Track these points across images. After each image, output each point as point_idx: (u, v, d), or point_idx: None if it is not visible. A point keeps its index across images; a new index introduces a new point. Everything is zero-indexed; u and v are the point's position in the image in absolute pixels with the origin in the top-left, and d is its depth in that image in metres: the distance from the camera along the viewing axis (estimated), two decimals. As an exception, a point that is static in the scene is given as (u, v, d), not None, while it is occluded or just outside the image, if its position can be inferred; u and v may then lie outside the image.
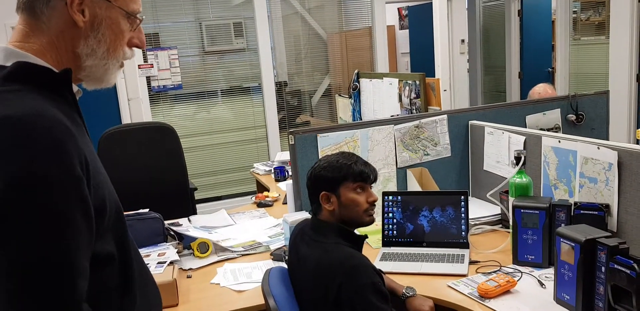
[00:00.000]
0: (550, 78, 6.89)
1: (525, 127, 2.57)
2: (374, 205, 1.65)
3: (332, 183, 1.61)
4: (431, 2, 4.80)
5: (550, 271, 1.76)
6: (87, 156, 0.88)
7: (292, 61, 5.87)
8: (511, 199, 1.96)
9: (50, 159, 0.81)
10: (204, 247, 2.11)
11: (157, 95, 4.95)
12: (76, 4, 0.92)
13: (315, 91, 5.98)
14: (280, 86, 5.64)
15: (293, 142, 2.22)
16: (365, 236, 1.67)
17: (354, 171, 1.62)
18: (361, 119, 3.53)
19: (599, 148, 1.83)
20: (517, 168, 1.96)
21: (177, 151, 2.96)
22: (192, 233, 2.23)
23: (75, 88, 0.98)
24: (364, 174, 1.63)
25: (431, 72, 4.94)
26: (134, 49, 1.04)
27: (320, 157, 2.26)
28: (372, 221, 1.66)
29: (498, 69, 7.24)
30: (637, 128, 5.20)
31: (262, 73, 5.38)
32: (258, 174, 3.52)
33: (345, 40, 5.94)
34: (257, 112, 5.46)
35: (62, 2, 0.92)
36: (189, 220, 2.55)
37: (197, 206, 3.37)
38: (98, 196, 0.90)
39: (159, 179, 2.90)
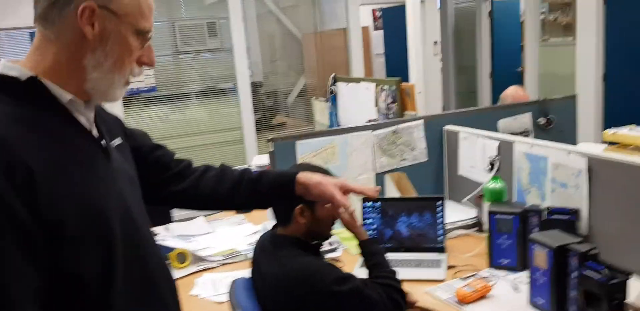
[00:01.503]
0: (520, 78, 7.02)
1: (498, 131, 2.63)
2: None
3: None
4: (404, 5, 4.84)
5: (524, 275, 1.82)
6: (36, 165, 0.86)
7: (267, 61, 5.87)
8: (486, 204, 2.01)
9: None
10: (182, 257, 2.11)
11: (130, 98, 4.90)
12: (87, 16, 0.94)
13: (291, 91, 6.00)
14: (255, 87, 5.63)
15: (272, 150, 2.23)
16: (321, 243, 1.67)
17: None
18: (339, 123, 3.57)
19: (569, 154, 1.89)
20: (492, 173, 2.01)
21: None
22: (169, 242, 2.23)
23: (67, 97, 0.97)
24: None
25: (405, 73, 4.99)
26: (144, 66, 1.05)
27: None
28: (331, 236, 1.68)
29: (470, 69, 7.36)
30: (605, 129, 5.35)
31: (237, 73, 5.36)
32: (235, 178, 3.52)
33: (320, 40, 5.96)
34: (233, 113, 5.45)
35: (73, 13, 0.93)
36: (167, 228, 2.55)
37: (173, 209, 3.34)
38: (53, 208, 0.87)
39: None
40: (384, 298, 1.49)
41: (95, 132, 1.04)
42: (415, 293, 1.80)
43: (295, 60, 6.00)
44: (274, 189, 1.34)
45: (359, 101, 3.28)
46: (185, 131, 5.27)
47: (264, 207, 1.69)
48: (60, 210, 0.88)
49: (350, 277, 1.50)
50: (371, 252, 1.63)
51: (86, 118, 1.01)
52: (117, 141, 1.13)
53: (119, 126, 1.22)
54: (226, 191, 1.32)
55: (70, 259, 0.90)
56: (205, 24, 5.47)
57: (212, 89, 5.44)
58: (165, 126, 5.17)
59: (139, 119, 4.99)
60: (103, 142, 1.04)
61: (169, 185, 1.30)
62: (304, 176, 1.33)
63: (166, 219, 2.95)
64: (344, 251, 2.20)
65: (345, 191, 1.35)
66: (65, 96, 0.97)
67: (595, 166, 1.81)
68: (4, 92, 0.93)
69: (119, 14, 0.97)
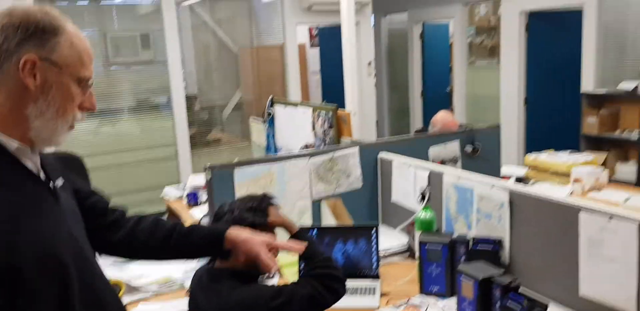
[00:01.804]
0: (449, 98, 7.32)
1: (429, 158, 2.76)
2: None
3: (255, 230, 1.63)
4: (340, 25, 4.96)
5: (452, 301, 1.92)
6: None
7: (202, 74, 5.84)
8: (417, 233, 2.11)
9: None
10: (115, 288, 2.08)
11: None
12: (28, 69, 0.97)
13: (226, 104, 5.98)
14: (190, 100, 5.58)
15: (210, 177, 2.24)
16: (258, 274, 1.70)
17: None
18: (275, 145, 3.61)
19: (492, 188, 2.02)
20: (423, 204, 2.12)
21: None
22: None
23: (14, 145, 0.99)
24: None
25: (340, 91, 5.09)
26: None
27: (236, 192, 2.31)
28: None
29: (403, 88, 7.61)
30: (527, 150, 5.67)
31: (172, 86, 5.29)
32: (169, 200, 3.48)
33: (257, 55, 6.00)
34: (166, 128, 5.36)
35: (15, 67, 0.97)
36: (98, 255, 2.49)
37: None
38: (14, 254, 0.90)
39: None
40: (321, 290, 1.52)
41: (42, 175, 1.06)
42: (350, 322, 1.87)
43: (231, 74, 6.00)
44: (204, 246, 1.39)
45: (296, 124, 3.34)
46: (116, 147, 5.14)
47: (195, 258, 1.72)
48: (17, 258, 0.91)
49: (282, 288, 1.53)
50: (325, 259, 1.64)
51: (33, 163, 1.04)
52: (60, 181, 1.15)
53: (59, 166, 1.23)
54: (159, 243, 1.35)
55: (27, 303, 0.93)
56: (139, 36, 5.38)
57: (144, 103, 5.34)
58: (95, 141, 5.02)
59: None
60: (51, 184, 1.07)
61: (105, 234, 1.32)
62: (233, 234, 1.38)
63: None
64: (281, 279, 2.24)
65: (272, 248, 1.41)
66: (12, 144, 1.00)
67: (516, 199, 1.94)
68: None
69: (60, 64, 1.00)
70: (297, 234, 1.66)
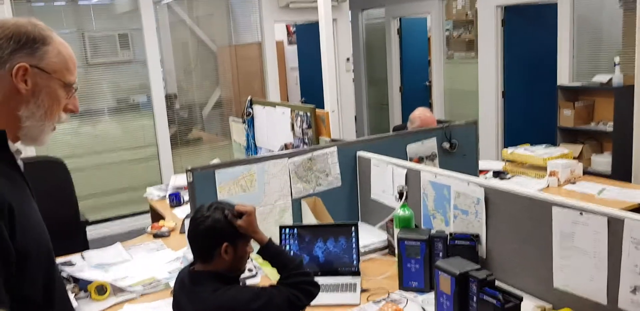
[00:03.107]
0: (428, 92, 7.38)
1: (407, 155, 2.81)
2: None
3: (236, 236, 1.62)
4: (317, 22, 4.98)
5: (431, 296, 1.96)
6: (14, 205, 1.03)
7: (181, 72, 5.82)
8: (396, 230, 2.16)
9: None
10: (101, 289, 2.10)
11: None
12: (20, 75, 1.08)
13: (206, 103, 5.97)
14: (170, 99, 5.56)
15: (191, 180, 2.26)
16: (239, 275, 1.72)
17: None
18: (255, 145, 3.63)
19: (468, 184, 2.07)
20: (401, 202, 2.16)
21: (67, 185, 2.87)
22: (87, 274, 2.20)
23: (14, 147, 1.12)
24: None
25: (319, 88, 5.13)
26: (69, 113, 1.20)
27: (218, 193, 2.33)
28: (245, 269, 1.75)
29: (381, 83, 7.64)
30: (505, 143, 5.76)
31: (152, 85, 5.28)
32: (152, 199, 3.49)
33: (235, 53, 5.99)
34: (147, 127, 5.35)
35: (8, 73, 1.08)
36: (83, 257, 2.50)
37: (87, 228, 3.25)
38: (21, 241, 1.02)
39: (47, 215, 2.77)
40: (297, 293, 1.60)
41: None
42: (332, 319, 1.91)
43: (210, 72, 5.98)
44: None
45: (275, 124, 3.36)
46: (97, 148, 5.11)
47: None
48: (26, 242, 1.04)
49: (260, 291, 1.58)
50: (274, 254, 1.68)
51: (20, 162, 1.16)
52: None
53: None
54: None
55: (28, 283, 1.06)
56: (117, 35, 5.34)
57: (124, 102, 5.31)
58: (75, 142, 4.99)
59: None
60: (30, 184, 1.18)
61: None
62: None
63: (81, 247, 2.89)
64: (263, 277, 2.27)
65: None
66: (13, 146, 1.13)
67: (490, 196, 2.00)
68: None
69: (48, 71, 1.12)
70: (267, 244, 1.67)
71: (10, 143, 1.11)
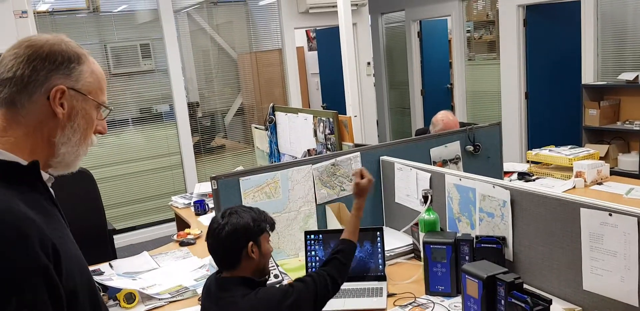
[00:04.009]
0: (449, 93, 7.34)
1: (431, 158, 2.79)
2: None
3: (257, 233, 1.68)
4: (337, 26, 5.00)
5: (458, 300, 1.95)
6: (57, 244, 0.94)
7: (203, 80, 5.88)
8: (422, 234, 2.14)
9: (14, 252, 0.88)
10: (130, 298, 2.13)
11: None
12: (58, 98, 1.00)
13: (228, 110, 6.02)
14: (192, 107, 5.63)
15: (216, 187, 2.28)
16: (266, 280, 1.74)
17: (270, 221, 1.72)
18: (278, 151, 3.65)
19: (494, 187, 2.05)
20: (426, 206, 2.15)
21: (94, 195, 2.92)
22: (116, 282, 2.23)
23: (46, 176, 1.03)
24: (274, 225, 1.73)
25: (340, 93, 5.14)
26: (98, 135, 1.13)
27: (243, 200, 2.35)
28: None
29: (402, 87, 7.61)
30: (529, 144, 5.68)
31: (174, 94, 5.34)
32: (177, 207, 3.53)
33: (255, 60, 6.04)
34: (170, 136, 5.41)
35: (43, 97, 1.00)
36: (111, 266, 2.54)
37: (114, 236, 3.30)
38: (69, 281, 0.96)
39: (76, 225, 2.82)
40: (326, 283, 1.65)
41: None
42: (359, 324, 1.90)
43: (231, 79, 6.04)
44: None
45: (297, 130, 3.38)
46: (121, 158, 5.19)
47: None
48: (74, 282, 0.97)
49: (288, 289, 1.61)
50: (339, 250, 1.80)
51: (53, 191, 1.07)
52: None
53: None
54: None
55: None
56: (139, 45, 5.43)
57: (147, 112, 5.39)
58: (100, 153, 5.07)
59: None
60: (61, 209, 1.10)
61: None
62: None
63: (109, 256, 2.93)
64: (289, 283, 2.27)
65: None
66: (45, 175, 1.04)
67: (516, 198, 1.97)
68: (15, 180, 0.97)
69: (84, 92, 1.05)
70: (344, 241, 1.84)
71: (42, 173, 1.02)
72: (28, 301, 0.88)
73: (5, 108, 1.00)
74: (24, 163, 0.99)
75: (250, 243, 1.64)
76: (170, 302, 2.18)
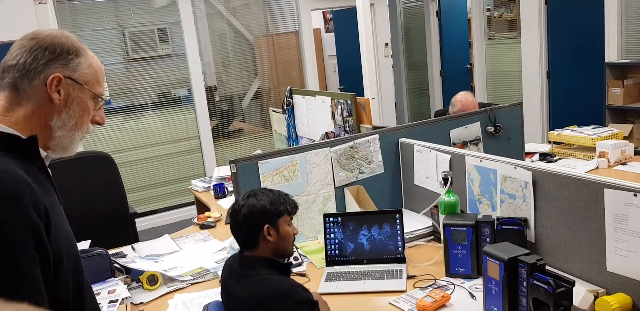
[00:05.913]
0: (469, 74, 7.23)
1: (450, 140, 2.76)
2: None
3: (274, 216, 1.70)
4: (354, 7, 4.93)
5: (479, 282, 1.94)
6: (49, 209, 1.03)
7: (220, 64, 5.88)
8: (441, 216, 2.13)
9: (8, 208, 0.97)
10: (152, 280, 2.15)
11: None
12: (54, 85, 1.10)
13: (246, 94, 6.02)
14: (210, 91, 5.64)
15: (235, 171, 2.29)
16: (291, 263, 1.77)
17: (290, 204, 1.73)
18: (296, 134, 3.64)
19: (515, 168, 2.03)
20: (445, 188, 2.13)
21: (116, 179, 2.95)
22: (138, 265, 2.26)
23: (43, 153, 1.13)
24: (296, 208, 1.74)
25: (358, 74, 5.09)
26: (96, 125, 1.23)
27: (262, 183, 2.36)
28: (293, 252, 1.80)
29: (421, 68, 7.52)
30: (550, 125, 5.59)
31: (192, 78, 5.35)
32: (197, 191, 3.56)
33: (272, 43, 6.00)
34: (189, 120, 5.44)
35: (42, 83, 1.10)
36: (133, 249, 2.57)
37: (136, 220, 3.35)
38: (57, 245, 1.04)
39: (98, 208, 2.89)
40: None
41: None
42: (380, 306, 1.91)
43: (248, 63, 6.02)
44: None
45: (315, 113, 3.36)
46: (141, 142, 5.23)
47: None
48: (59, 247, 1.06)
49: (316, 304, 1.60)
50: None
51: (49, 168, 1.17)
52: None
53: None
54: None
55: (62, 287, 1.08)
56: (156, 30, 5.42)
57: (166, 97, 5.41)
58: (120, 137, 5.12)
59: (94, 136, 4.93)
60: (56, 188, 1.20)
61: None
62: None
63: (131, 239, 2.97)
64: (308, 265, 2.29)
65: None
66: (43, 153, 1.14)
67: (538, 179, 1.94)
68: (16, 152, 1.06)
69: (80, 82, 1.14)
70: None
71: (40, 149, 1.12)
72: (18, 257, 0.95)
73: (8, 91, 1.11)
74: (24, 137, 1.08)
75: (266, 226, 1.66)
76: (192, 284, 2.20)
